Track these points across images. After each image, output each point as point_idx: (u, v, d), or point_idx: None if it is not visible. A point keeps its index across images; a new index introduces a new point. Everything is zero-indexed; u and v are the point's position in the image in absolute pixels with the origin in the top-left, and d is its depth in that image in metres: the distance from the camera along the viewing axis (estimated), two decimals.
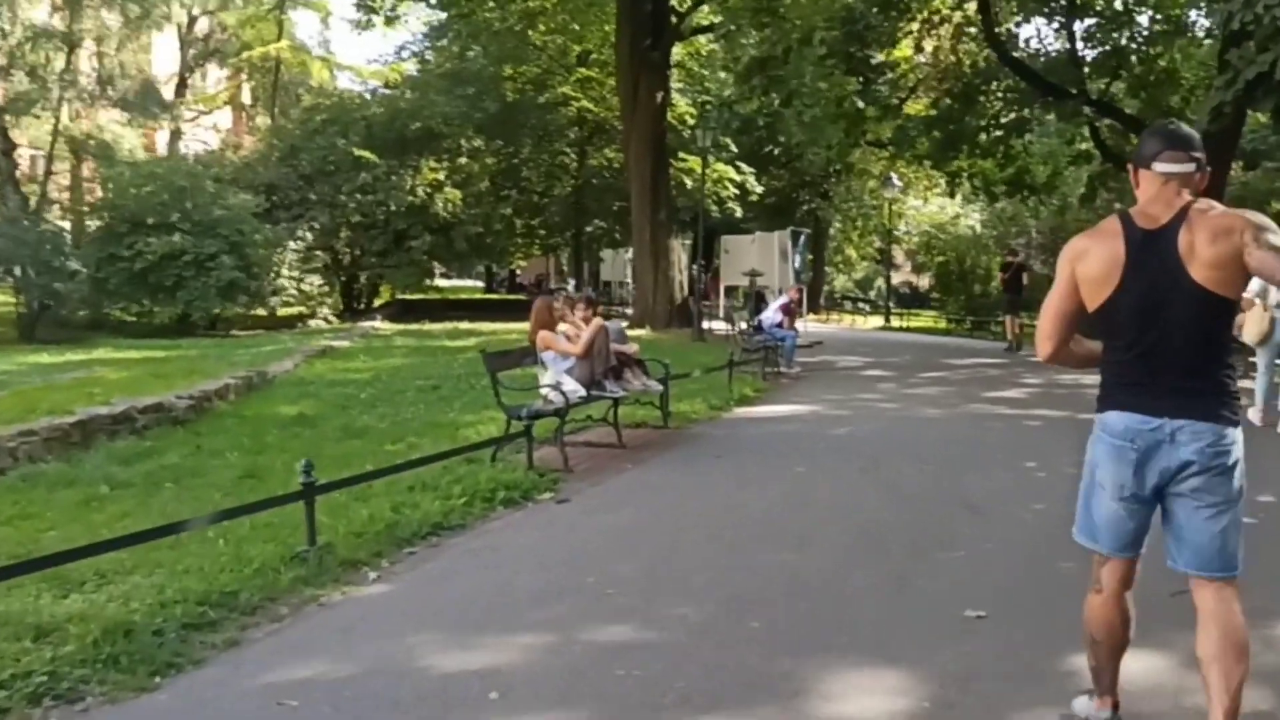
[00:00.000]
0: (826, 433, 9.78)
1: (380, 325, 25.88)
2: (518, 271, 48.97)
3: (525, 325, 24.45)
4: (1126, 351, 3.03)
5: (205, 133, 40.53)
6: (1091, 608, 3.23)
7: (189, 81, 41.49)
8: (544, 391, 8.38)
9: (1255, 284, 9.87)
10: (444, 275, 68.31)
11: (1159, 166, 3.00)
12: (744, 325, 15.83)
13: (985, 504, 6.76)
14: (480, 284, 58.09)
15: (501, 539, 6.00)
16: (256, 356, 15.91)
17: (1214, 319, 2.93)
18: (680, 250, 25.37)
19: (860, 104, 15.68)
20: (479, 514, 6.53)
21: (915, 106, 23.47)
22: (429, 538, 5.98)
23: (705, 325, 22.03)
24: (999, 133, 19.65)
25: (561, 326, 9.05)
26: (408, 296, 35.13)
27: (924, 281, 43.88)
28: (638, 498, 7.09)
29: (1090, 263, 3.01)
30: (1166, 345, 2.95)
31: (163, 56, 44.37)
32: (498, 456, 7.90)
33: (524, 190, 33.15)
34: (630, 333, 23.77)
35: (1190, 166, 2.99)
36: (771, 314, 15.94)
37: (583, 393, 8.46)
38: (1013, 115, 19.26)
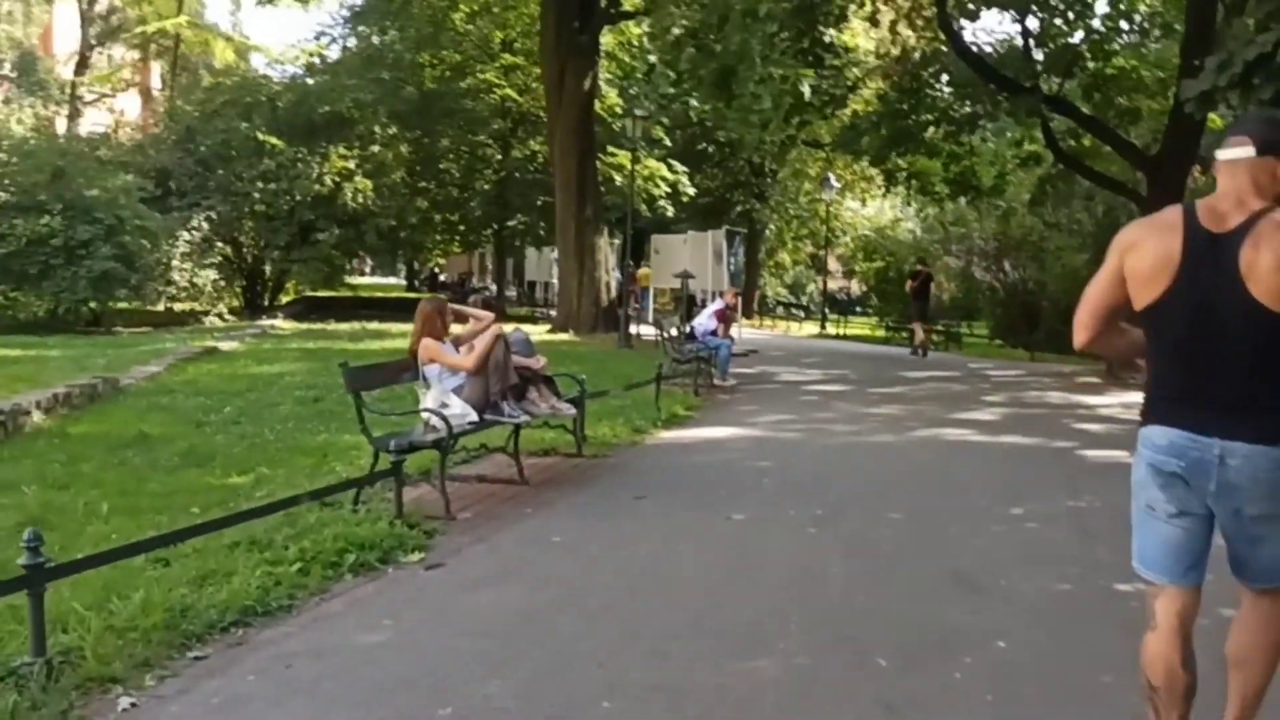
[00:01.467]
0: (771, 465, 8.23)
1: (281, 324, 23.88)
2: (437, 269, 46.89)
3: (457, 328, 22.94)
4: (1173, 360, 2.82)
5: (109, 117, 37.89)
6: (1148, 648, 2.89)
7: (91, 63, 38.84)
8: (425, 415, 6.72)
9: None
10: (368, 272, 66.19)
11: (1220, 153, 2.77)
12: (673, 332, 14.27)
13: (980, 575, 5.25)
14: (403, 282, 55.93)
15: (335, 633, 4.31)
16: (118, 359, 13.94)
17: (1272, 336, 2.63)
18: (608, 250, 23.78)
19: (807, 90, 14.14)
20: (316, 588, 4.84)
21: (858, 103, 22.18)
22: (233, 629, 4.29)
23: (634, 330, 20.48)
24: (951, 128, 18.34)
25: (457, 329, 7.41)
26: (317, 294, 33.08)
27: (855, 286, 42.88)
28: (534, 561, 5.45)
29: (1141, 256, 2.75)
30: (1217, 358, 2.71)
31: (64, 35, 41.60)
32: (361, 499, 6.22)
33: (443, 183, 31.24)
34: (554, 338, 22.29)
35: (1247, 150, 2.69)
36: (705, 320, 14.39)
37: (474, 417, 6.80)
38: (965, 110, 17.96)
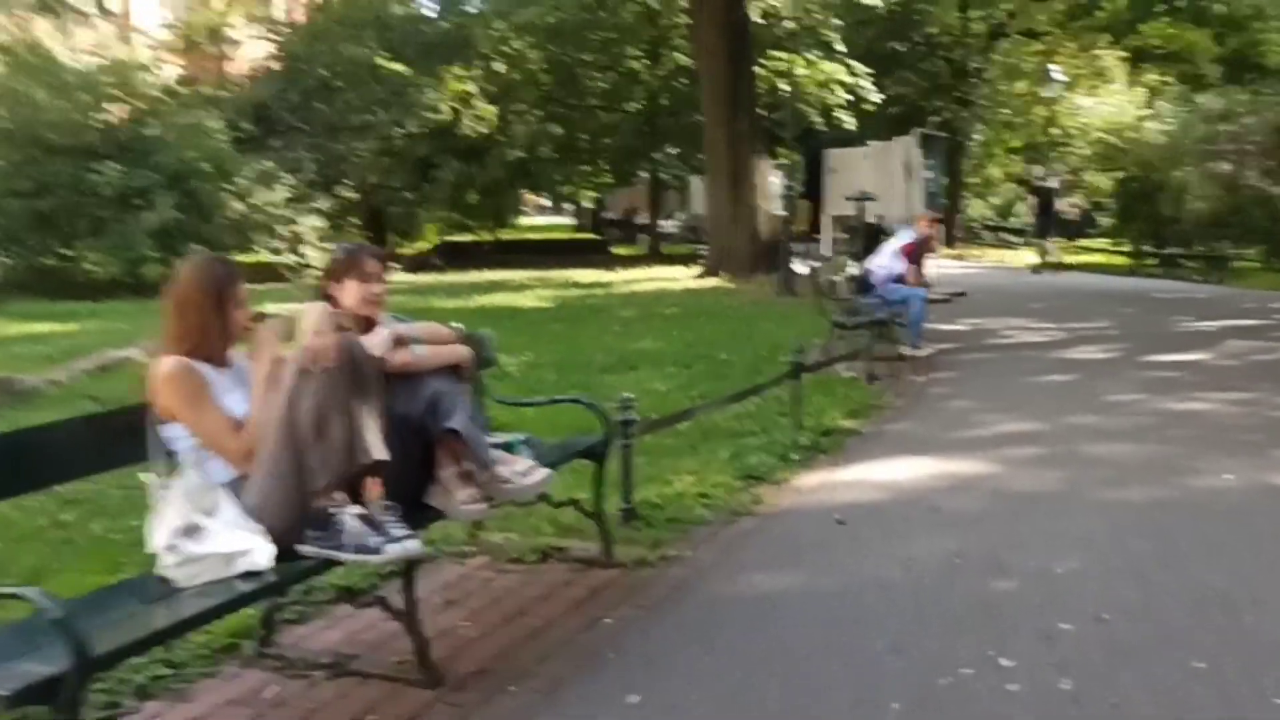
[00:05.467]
0: (1022, 587, 3.81)
1: (391, 278, 20.58)
2: (595, 205, 43.02)
3: (592, 275, 17.59)
4: None
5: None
6: None
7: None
8: (160, 552, 2.70)
9: None
10: (538, 210, 63.06)
11: None
12: (838, 279, 9.75)
13: None
14: (570, 222, 52.51)
15: None
16: (95, 339, 10.65)
17: None
18: (770, 173, 19.18)
19: None
20: None
21: None
22: None
23: (803, 269, 15.99)
24: None
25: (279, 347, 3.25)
26: (458, 238, 29.80)
27: (1066, 204, 36.18)
28: None
29: None
30: None
31: None
32: None
33: (583, 107, 27.16)
34: (700, 284, 17.94)
35: None
36: (887, 260, 9.79)
37: (260, 560, 2.70)
38: None
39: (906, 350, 9.34)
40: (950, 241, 28.25)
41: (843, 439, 6.18)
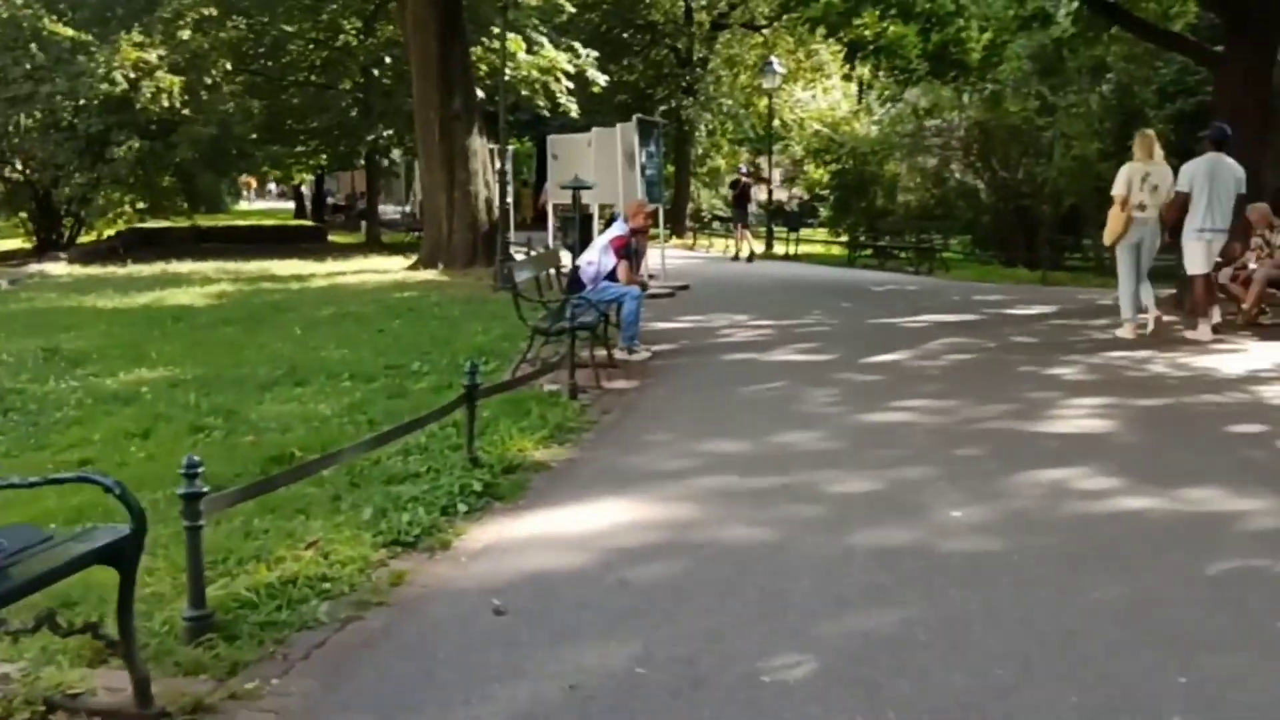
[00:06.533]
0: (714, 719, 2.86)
1: (56, 270, 18.03)
2: (316, 189, 40.42)
3: (294, 266, 16.16)
4: None
5: None
6: None
7: None
8: None
9: (1120, 183, 9.33)
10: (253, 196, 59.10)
11: None
12: (539, 274, 8.72)
13: None
14: (290, 206, 49.19)
15: None
16: None
17: None
18: (487, 156, 17.98)
19: None
20: None
21: None
22: None
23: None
24: None
25: None
26: (149, 225, 26.75)
27: (783, 194, 37.21)
28: None
29: None
30: None
31: None
32: None
33: (287, 82, 24.90)
34: (410, 276, 16.41)
35: None
36: (597, 255, 8.87)
37: None
38: None
39: (621, 353, 8.46)
40: (680, 232, 28.15)
41: (528, 476, 5.12)
